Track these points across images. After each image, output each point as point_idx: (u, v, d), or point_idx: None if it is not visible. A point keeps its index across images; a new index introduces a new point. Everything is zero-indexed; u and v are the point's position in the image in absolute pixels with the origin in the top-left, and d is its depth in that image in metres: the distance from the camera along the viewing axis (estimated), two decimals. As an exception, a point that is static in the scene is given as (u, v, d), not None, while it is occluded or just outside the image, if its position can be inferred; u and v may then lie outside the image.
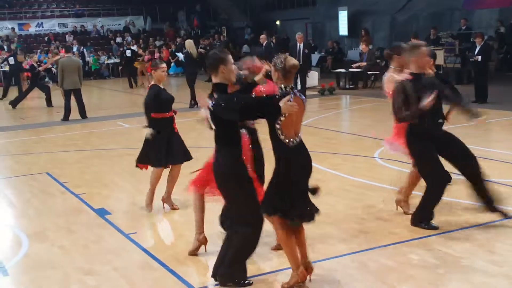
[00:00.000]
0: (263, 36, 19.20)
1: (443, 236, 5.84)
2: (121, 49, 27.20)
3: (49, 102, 18.78)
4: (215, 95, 4.71)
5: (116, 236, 6.42)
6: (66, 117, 15.50)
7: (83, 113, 15.76)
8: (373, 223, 6.37)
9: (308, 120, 10.68)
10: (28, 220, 7.26)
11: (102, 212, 7.27)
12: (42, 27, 34.17)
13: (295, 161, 4.67)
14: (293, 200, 4.67)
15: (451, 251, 5.46)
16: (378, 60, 19.87)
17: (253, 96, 5.01)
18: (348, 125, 14.05)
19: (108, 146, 11.75)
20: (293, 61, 4.71)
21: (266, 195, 4.77)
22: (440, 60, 20.10)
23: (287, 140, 4.63)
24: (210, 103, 4.68)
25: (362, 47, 19.42)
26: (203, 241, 5.70)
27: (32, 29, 33.99)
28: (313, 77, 19.97)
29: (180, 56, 21.06)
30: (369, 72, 19.62)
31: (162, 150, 7.05)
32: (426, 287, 4.82)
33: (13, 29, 33.05)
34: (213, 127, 4.79)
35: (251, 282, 4.93)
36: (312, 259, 4.97)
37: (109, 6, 35.98)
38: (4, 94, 21.46)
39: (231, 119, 4.69)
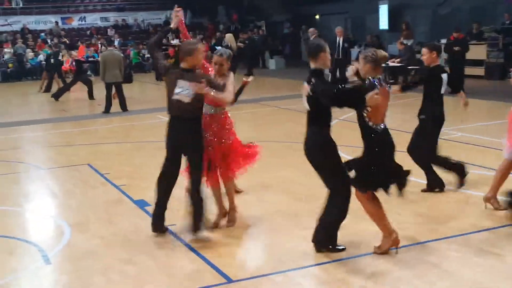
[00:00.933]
0: (311, 30, 19.17)
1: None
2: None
3: (91, 95, 19.09)
4: (313, 80, 5.15)
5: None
6: (107, 110, 15.73)
7: (123, 106, 15.97)
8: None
9: (347, 115, 10.61)
10: (70, 210, 7.41)
11: (141, 203, 7.37)
12: (85, 21, 34.71)
13: (385, 142, 5.25)
14: (387, 174, 5.25)
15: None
16: (418, 55, 19.59)
17: (347, 86, 5.34)
18: (388, 120, 13.89)
19: (147, 138, 11.89)
20: (383, 53, 5.28)
21: (358, 173, 5.29)
22: (482, 55, 19.77)
23: (374, 126, 5.17)
24: (307, 87, 5.16)
25: (398, 44, 19.26)
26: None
27: (75, 23, 34.54)
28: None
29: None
30: (409, 67, 19.37)
31: None
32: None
33: (56, 23, 33.65)
34: (308, 108, 5.28)
35: (344, 247, 5.45)
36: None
37: (150, 0, 36.32)
38: (48, 89, 21.87)
39: (323, 103, 5.14)
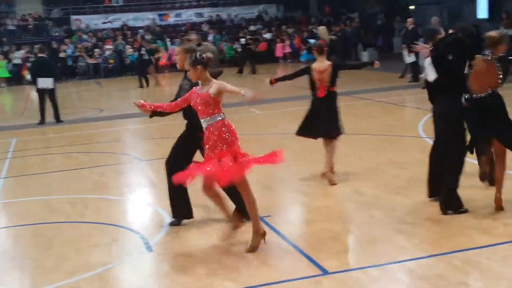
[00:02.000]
0: (410, 20, 18.79)
1: None
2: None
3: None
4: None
5: (251, 219, 6.60)
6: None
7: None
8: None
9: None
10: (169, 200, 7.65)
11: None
12: (180, 17, 35.62)
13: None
14: None
15: None
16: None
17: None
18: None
19: (240, 131, 12.03)
20: (494, 33, 6.20)
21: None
22: None
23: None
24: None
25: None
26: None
27: (171, 19, 35.53)
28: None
29: (313, 42, 21.14)
30: (510, 58, 18.51)
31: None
32: None
33: (153, 19, 34.75)
34: (431, 78, 6.18)
35: (467, 210, 6.05)
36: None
37: (243, -5, 36.79)
38: (147, 83, 22.62)
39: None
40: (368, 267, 5.05)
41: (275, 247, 5.71)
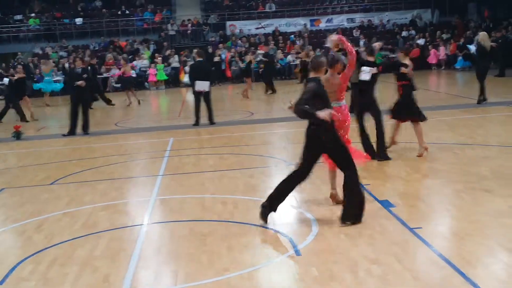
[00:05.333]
0: None
1: None
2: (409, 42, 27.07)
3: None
4: None
5: (401, 229, 6.45)
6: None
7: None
8: None
9: None
10: (316, 205, 7.68)
11: (386, 204, 7.37)
12: (332, 22, 35.69)
13: None
14: None
15: None
16: None
17: None
18: None
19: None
20: None
21: None
22: None
23: None
24: None
25: None
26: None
27: (322, 24, 35.70)
28: None
29: (472, 48, 20.18)
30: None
31: None
32: None
33: (305, 25, 35.12)
34: None
35: None
36: None
37: (397, 0, 36.03)
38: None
39: None
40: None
41: (426, 260, 5.52)
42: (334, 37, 7.67)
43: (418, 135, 9.95)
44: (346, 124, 7.60)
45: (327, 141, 6.64)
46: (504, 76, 24.04)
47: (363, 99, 10.05)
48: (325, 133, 6.60)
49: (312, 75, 6.83)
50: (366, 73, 9.82)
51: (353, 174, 6.69)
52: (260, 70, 30.25)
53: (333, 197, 7.62)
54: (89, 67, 19.02)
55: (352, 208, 6.69)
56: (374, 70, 9.88)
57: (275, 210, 6.95)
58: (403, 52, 10.42)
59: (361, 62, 9.92)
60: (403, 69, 9.88)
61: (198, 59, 16.47)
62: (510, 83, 21.90)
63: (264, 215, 6.89)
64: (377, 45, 10.65)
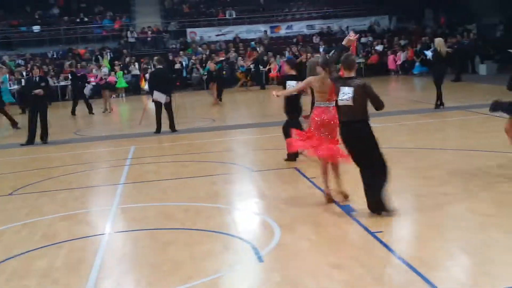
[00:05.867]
0: None
1: None
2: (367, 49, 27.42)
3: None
4: None
5: (363, 234, 6.51)
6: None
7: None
8: None
9: None
10: (279, 211, 7.70)
11: (348, 209, 7.43)
12: (292, 29, 35.93)
13: None
14: None
15: None
16: None
17: None
18: None
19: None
20: None
21: None
22: None
23: None
24: None
25: None
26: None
27: (282, 31, 35.92)
28: None
29: (428, 54, 20.58)
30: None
31: None
32: None
33: (265, 31, 35.28)
34: None
35: None
36: None
37: (355, 6, 36.51)
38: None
39: None
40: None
41: (387, 264, 5.59)
42: (353, 36, 7.85)
43: None
44: (333, 123, 7.70)
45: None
46: (461, 81, 24.58)
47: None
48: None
49: (347, 74, 7.00)
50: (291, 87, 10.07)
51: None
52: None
53: (330, 196, 7.83)
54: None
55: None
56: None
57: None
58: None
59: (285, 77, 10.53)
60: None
61: (158, 66, 16.39)
62: (467, 88, 22.40)
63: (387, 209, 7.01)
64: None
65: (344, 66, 7.03)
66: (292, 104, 10.39)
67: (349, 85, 6.86)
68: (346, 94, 6.84)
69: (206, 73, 26.74)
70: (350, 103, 6.82)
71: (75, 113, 22.37)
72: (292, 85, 10.08)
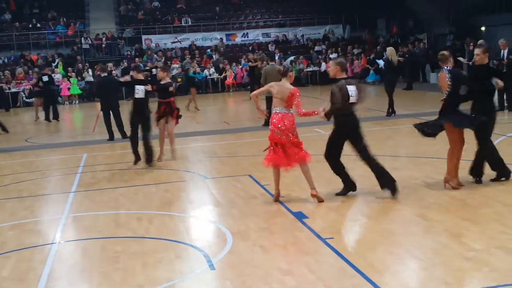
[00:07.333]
0: (481, 42, 18.30)
1: None
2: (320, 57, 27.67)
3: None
4: None
5: (314, 240, 6.59)
6: (267, 123, 16.16)
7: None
8: None
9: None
10: (232, 218, 7.72)
11: (300, 216, 7.50)
12: (247, 37, 36.07)
13: None
14: None
15: None
16: None
17: None
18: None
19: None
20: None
21: None
22: None
23: None
24: None
25: None
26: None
27: (238, 39, 36.03)
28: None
29: (381, 63, 20.96)
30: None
31: None
32: None
33: (221, 39, 35.32)
34: None
35: None
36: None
37: (309, 15, 36.91)
38: None
39: None
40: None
41: (338, 270, 5.66)
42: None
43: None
44: (293, 126, 8.11)
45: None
46: (412, 89, 25.08)
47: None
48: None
49: (342, 75, 8.21)
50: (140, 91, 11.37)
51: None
52: (177, 84, 30.16)
53: (278, 196, 8.30)
54: None
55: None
56: (149, 87, 11.47)
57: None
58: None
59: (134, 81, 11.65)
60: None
61: (103, 75, 16.13)
62: (418, 96, 22.89)
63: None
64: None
65: (341, 68, 8.17)
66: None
67: (350, 84, 8.11)
68: (351, 91, 8.05)
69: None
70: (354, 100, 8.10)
71: (49, 119, 21.74)
72: (141, 89, 11.42)
